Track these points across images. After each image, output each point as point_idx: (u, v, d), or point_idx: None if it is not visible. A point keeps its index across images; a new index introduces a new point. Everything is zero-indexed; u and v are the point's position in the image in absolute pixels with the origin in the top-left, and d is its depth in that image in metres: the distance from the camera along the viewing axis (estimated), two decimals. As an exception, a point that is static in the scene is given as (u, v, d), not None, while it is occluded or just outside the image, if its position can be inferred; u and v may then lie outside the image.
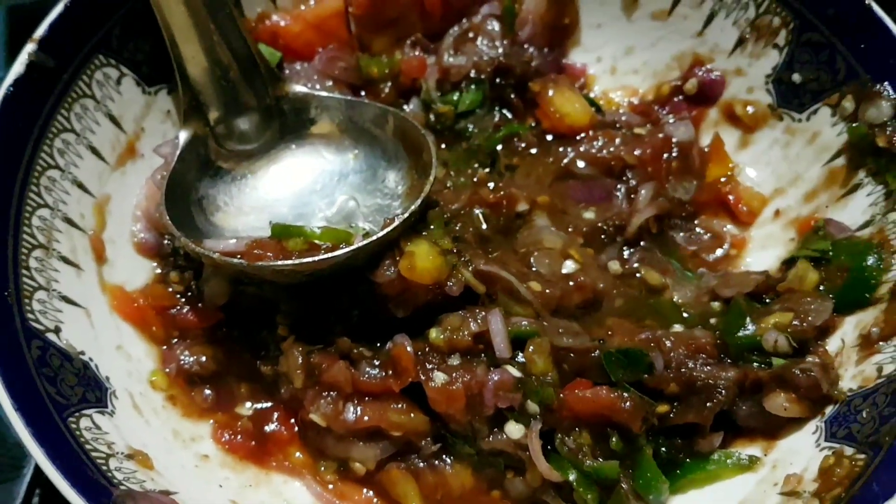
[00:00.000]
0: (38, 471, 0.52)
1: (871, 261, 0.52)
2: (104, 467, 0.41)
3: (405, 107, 0.60)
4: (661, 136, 0.58)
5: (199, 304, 0.53)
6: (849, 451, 0.43)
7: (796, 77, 0.56)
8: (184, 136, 0.53)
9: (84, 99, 0.51)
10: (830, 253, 0.53)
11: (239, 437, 0.51)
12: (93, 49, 0.51)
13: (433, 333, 0.51)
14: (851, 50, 0.53)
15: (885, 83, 0.52)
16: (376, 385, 0.51)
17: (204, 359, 0.52)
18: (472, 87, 0.59)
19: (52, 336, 0.45)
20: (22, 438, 0.39)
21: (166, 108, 0.55)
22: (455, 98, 0.59)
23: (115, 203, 0.53)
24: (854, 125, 0.54)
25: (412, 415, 0.51)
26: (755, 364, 0.49)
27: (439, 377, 0.50)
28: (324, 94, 0.57)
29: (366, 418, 0.50)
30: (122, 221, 0.53)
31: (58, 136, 0.49)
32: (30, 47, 0.49)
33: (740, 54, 0.58)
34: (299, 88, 0.56)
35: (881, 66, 0.52)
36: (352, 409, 0.50)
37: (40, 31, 0.49)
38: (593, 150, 0.58)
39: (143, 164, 0.54)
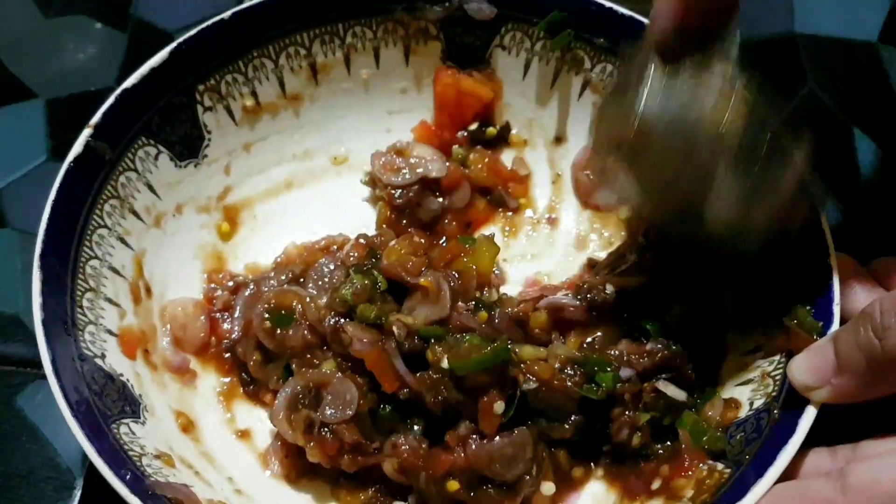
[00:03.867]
0: (84, 492, 0.62)
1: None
2: (138, 463, 0.52)
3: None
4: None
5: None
6: (720, 466, 0.54)
7: None
8: None
9: (128, 172, 0.63)
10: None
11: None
12: (137, 132, 0.63)
13: None
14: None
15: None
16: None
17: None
18: None
19: (99, 361, 0.56)
20: (78, 439, 0.50)
21: (193, 178, 0.67)
22: None
23: (149, 255, 0.64)
24: None
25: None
26: None
27: None
28: None
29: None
30: (154, 270, 0.64)
31: (107, 202, 0.61)
32: (87, 132, 0.61)
33: None
34: None
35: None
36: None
37: (95, 118, 0.61)
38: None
39: (174, 223, 0.66)
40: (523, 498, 0.56)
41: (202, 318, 0.64)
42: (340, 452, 0.56)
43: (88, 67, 0.81)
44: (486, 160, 0.71)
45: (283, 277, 0.64)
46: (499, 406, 0.55)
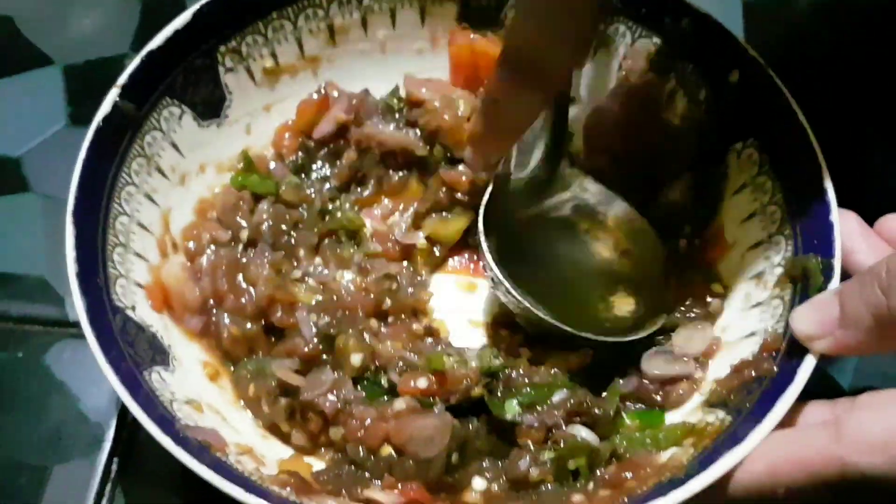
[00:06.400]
0: (114, 444, 0.64)
1: None
2: (169, 408, 0.55)
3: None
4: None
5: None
6: (721, 414, 0.56)
7: None
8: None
9: (154, 131, 0.65)
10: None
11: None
12: (162, 93, 0.65)
13: None
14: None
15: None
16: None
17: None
18: None
19: (129, 312, 0.59)
20: (112, 384, 0.53)
21: (215, 138, 0.69)
22: None
23: (175, 212, 0.66)
24: None
25: None
26: None
27: None
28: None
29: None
30: (181, 226, 0.66)
31: (134, 161, 0.64)
32: (114, 91, 0.63)
33: None
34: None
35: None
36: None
37: (122, 79, 0.63)
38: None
39: (198, 181, 0.68)
40: (451, 487, 0.58)
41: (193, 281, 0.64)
42: (325, 428, 0.59)
43: (103, 34, 0.83)
44: None
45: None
46: (421, 382, 0.58)
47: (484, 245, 0.62)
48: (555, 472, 0.57)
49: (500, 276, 0.61)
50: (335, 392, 0.59)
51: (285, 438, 0.61)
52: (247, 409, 0.62)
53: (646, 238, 0.66)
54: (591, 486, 0.57)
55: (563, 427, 0.59)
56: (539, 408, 0.59)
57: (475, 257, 0.70)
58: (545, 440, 0.59)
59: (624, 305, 0.65)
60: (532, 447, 0.58)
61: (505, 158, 0.65)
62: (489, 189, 0.65)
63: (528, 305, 0.60)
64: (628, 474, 0.56)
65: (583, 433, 0.58)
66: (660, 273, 0.66)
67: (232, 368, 0.63)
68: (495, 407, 0.59)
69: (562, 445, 0.58)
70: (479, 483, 0.58)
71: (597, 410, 0.59)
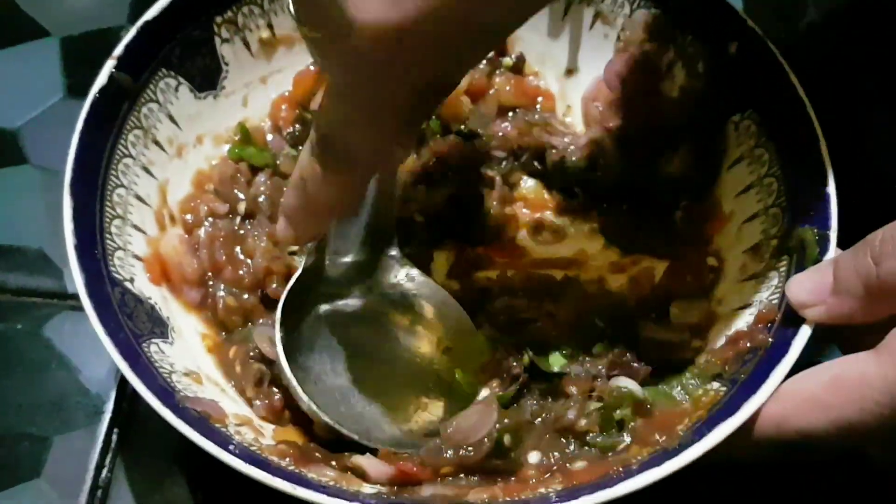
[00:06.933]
0: (114, 415, 0.65)
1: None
2: (168, 379, 0.55)
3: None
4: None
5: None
6: (716, 385, 0.57)
7: None
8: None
9: (150, 103, 0.65)
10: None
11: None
12: (158, 64, 0.65)
13: None
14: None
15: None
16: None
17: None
18: None
19: (128, 284, 0.59)
20: (112, 355, 0.53)
21: (212, 110, 0.69)
22: None
23: (172, 184, 0.66)
24: None
25: None
26: None
27: None
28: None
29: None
30: (178, 198, 0.67)
31: (131, 132, 0.63)
32: (110, 63, 0.62)
33: None
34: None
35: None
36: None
37: (118, 50, 0.63)
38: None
39: (195, 154, 0.68)
40: (507, 466, 0.56)
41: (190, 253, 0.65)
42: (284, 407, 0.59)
43: (100, 5, 0.82)
44: (512, 81, 0.73)
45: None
46: None
47: (278, 340, 0.57)
48: (601, 422, 0.57)
49: (291, 379, 0.56)
50: None
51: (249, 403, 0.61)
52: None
53: (468, 334, 0.61)
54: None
55: (606, 380, 0.59)
56: (581, 358, 0.60)
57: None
58: (590, 391, 0.59)
59: (436, 407, 0.60)
60: (578, 397, 0.58)
61: (321, 241, 0.60)
62: (294, 278, 0.60)
63: (315, 410, 0.56)
64: None
65: (626, 383, 0.58)
66: (477, 374, 0.61)
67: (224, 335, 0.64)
68: (540, 361, 0.60)
69: (605, 397, 0.58)
70: (534, 457, 0.57)
71: (635, 364, 0.60)
